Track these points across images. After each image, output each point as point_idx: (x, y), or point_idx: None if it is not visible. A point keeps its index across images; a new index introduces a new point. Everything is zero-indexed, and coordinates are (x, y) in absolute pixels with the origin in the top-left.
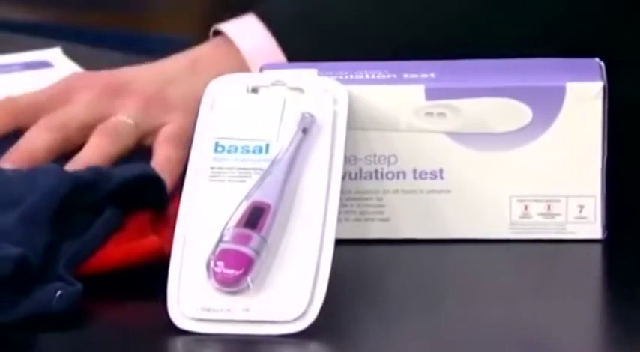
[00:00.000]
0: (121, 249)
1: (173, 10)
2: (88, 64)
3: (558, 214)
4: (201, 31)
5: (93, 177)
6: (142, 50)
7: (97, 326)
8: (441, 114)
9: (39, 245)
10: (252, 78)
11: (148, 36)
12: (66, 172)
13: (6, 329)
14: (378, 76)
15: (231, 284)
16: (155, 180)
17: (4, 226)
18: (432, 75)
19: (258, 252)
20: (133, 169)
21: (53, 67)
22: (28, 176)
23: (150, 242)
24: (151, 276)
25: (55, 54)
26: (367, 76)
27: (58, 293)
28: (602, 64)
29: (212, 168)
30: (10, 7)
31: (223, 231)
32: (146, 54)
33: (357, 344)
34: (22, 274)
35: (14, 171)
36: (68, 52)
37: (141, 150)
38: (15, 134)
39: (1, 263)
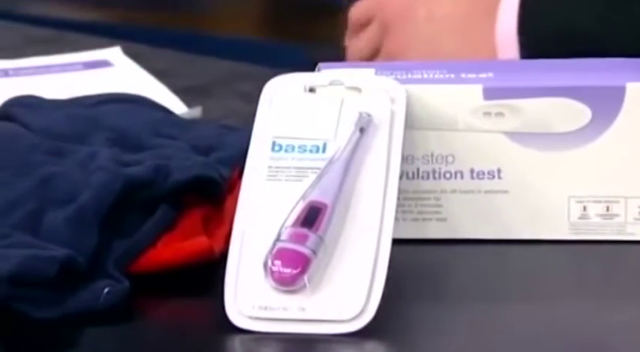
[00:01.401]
0: (170, 249)
1: (232, 10)
2: (147, 64)
3: (617, 215)
4: (258, 32)
5: (148, 176)
6: (201, 50)
7: (152, 324)
8: (499, 114)
9: (87, 245)
10: (310, 77)
11: (206, 36)
12: (120, 170)
13: (56, 327)
14: (436, 76)
15: (288, 283)
16: (211, 181)
17: (53, 225)
18: (490, 74)
19: (315, 252)
20: (191, 169)
21: (113, 66)
22: (84, 171)
23: (200, 242)
24: (205, 274)
25: (114, 53)
26: (425, 76)
27: (106, 290)
28: None
29: (269, 167)
30: (71, 7)
31: (280, 230)
32: (204, 54)
33: (413, 344)
34: (68, 274)
35: (74, 163)
36: (128, 52)
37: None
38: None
39: (46, 264)
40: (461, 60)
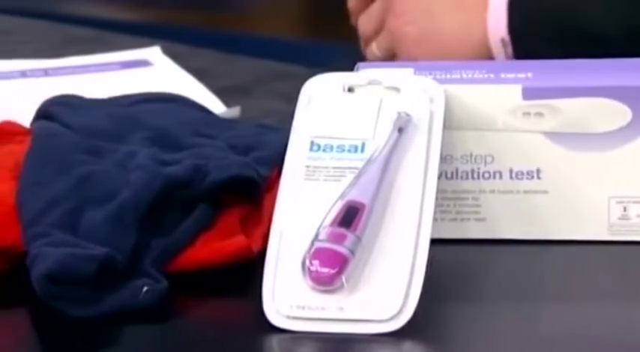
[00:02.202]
0: (209, 248)
1: (271, 10)
2: (186, 63)
3: None
4: (297, 32)
5: (187, 175)
6: (240, 50)
7: (190, 323)
8: (538, 114)
9: (126, 244)
10: (349, 77)
11: (246, 36)
12: (159, 169)
13: (95, 325)
14: (475, 76)
15: (325, 283)
16: (249, 180)
17: (92, 224)
18: (529, 74)
19: (352, 251)
20: (229, 168)
21: (152, 65)
22: (123, 170)
23: (238, 242)
24: (243, 274)
25: (154, 53)
26: (464, 76)
27: (144, 289)
28: None
29: (307, 166)
30: (112, 7)
31: (318, 229)
32: (244, 53)
33: (452, 344)
34: (107, 273)
35: (113, 163)
36: (167, 51)
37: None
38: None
39: (85, 263)
40: (454, 35)
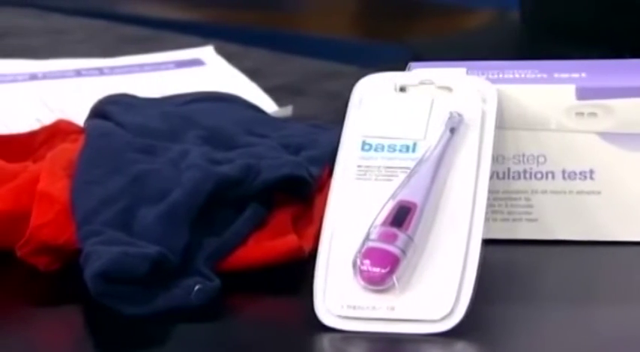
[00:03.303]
0: (260, 247)
1: (324, 10)
2: (239, 63)
3: None
4: (349, 31)
5: (239, 175)
6: (293, 49)
7: (241, 322)
8: (592, 114)
9: (179, 243)
10: (401, 76)
11: (298, 35)
12: (212, 169)
13: (147, 324)
14: (528, 75)
15: (377, 283)
16: (301, 180)
17: (145, 223)
18: (583, 74)
19: (404, 251)
20: (281, 168)
21: (205, 65)
22: (176, 169)
23: (289, 241)
24: (294, 273)
25: (207, 52)
26: (517, 75)
27: (197, 287)
28: None
29: (359, 166)
30: (166, 7)
31: (370, 229)
32: (296, 53)
33: (504, 345)
34: (159, 271)
35: (166, 161)
36: (220, 51)
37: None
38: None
39: (137, 261)
40: None
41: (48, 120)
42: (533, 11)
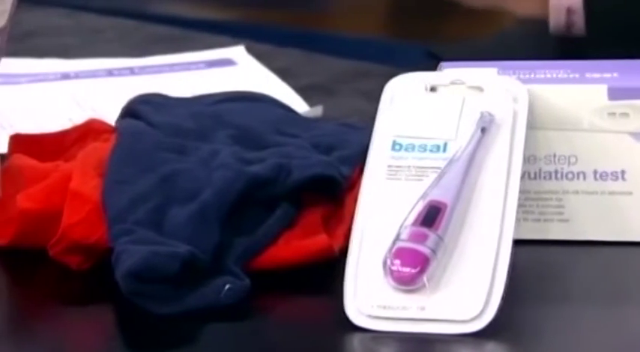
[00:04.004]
0: (291, 247)
1: (355, 9)
2: (270, 62)
3: None
4: (380, 31)
5: (270, 174)
6: (323, 49)
7: (271, 321)
8: (624, 115)
9: (209, 242)
10: (432, 76)
11: (329, 34)
12: (242, 168)
13: (177, 323)
14: (560, 75)
15: (407, 283)
16: (331, 180)
17: (175, 222)
18: (615, 74)
19: (434, 251)
20: (312, 168)
21: (236, 64)
22: (206, 169)
23: (320, 241)
24: (324, 273)
25: (238, 52)
26: (548, 75)
27: (227, 287)
28: None
29: (389, 166)
30: (198, 7)
31: (400, 229)
32: (327, 52)
33: (534, 346)
34: (189, 271)
35: (196, 161)
36: (251, 50)
37: None
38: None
39: (168, 260)
40: None
41: (80, 119)
42: (599, 12)
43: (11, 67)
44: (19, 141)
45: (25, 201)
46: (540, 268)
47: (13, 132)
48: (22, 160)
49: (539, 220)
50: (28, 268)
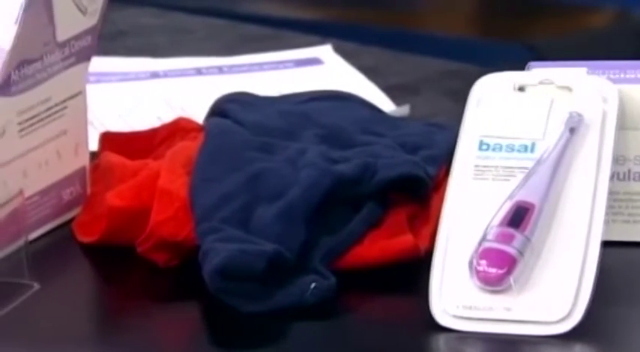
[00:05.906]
0: (376, 246)
1: (442, 8)
2: (357, 61)
3: None
4: (468, 30)
5: (356, 174)
6: (410, 48)
7: (356, 320)
8: None
9: (295, 241)
10: (520, 76)
11: (416, 34)
12: (329, 167)
13: (263, 320)
14: None
15: (493, 283)
16: (417, 179)
17: (262, 221)
18: None
19: (521, 252)
20: (398, 167)
21: (323, 64)
22: (293, 168)
23: (405, 240)
24: (410, 273)
25: (325, 51)
26: (639, 75)
27: (313, 285)
28: None
29: (476, 166)
30: (287, 6)
31: (486, 229)
32: (414, 52)
33: (623, 347)
34: (276, 269)
35: (284, 160)
36: (338, 49)
37: None
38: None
39: (254, 259)
40: None
41: (168, 117)
42: None
43: (102, 65)
44: (109, 140)
45: (114, 198)
46: (629, 270)
47: (103, 130)
48: (112, 158)
49: (628, 222)
50: (117, 265)
